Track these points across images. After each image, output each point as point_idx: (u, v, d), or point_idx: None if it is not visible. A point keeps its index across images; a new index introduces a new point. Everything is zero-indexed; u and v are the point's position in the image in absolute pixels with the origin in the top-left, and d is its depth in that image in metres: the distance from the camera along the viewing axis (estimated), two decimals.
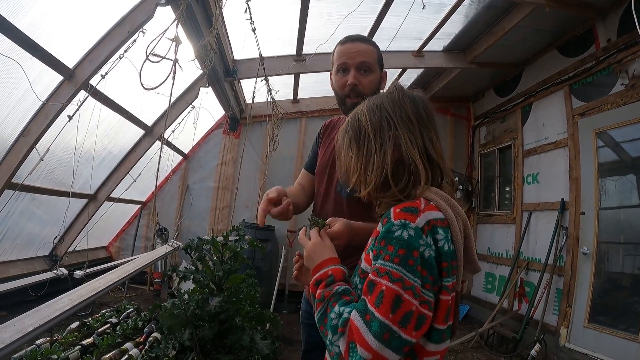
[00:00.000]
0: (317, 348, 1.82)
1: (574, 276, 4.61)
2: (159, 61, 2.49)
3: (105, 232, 6.63)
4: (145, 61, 2.40)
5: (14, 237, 4.38)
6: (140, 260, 3.80)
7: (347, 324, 1.01)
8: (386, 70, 1.88)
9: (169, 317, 2.38)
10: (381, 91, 1.82)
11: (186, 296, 2.56)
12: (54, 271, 3.89)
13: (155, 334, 3.93)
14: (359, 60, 1.76)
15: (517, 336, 4.83)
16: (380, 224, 1.11)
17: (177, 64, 2.50)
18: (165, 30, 3.01)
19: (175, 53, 2.53)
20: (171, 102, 5.44)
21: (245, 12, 3.88)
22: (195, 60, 3.58)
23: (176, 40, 2.51)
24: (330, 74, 1.91)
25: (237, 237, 3.01)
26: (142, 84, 2.68)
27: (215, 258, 2.75)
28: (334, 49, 1.87)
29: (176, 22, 2.60)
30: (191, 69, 5.08)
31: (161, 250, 4.30)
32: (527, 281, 5.44)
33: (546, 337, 4.62)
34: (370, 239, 1.18)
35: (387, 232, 1.04)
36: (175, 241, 4.42)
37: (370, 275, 1.02)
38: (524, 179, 5.78)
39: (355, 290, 1.15)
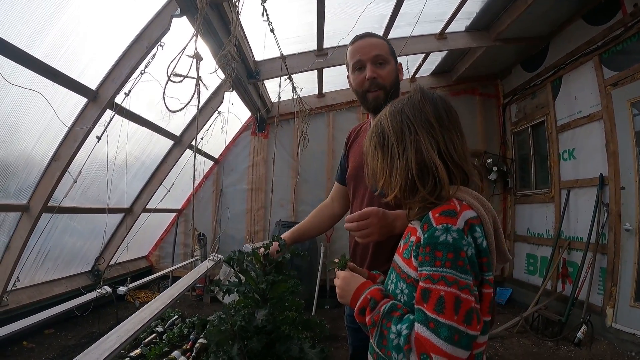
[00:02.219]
0: (364, 351, 1.83)
1: (617, 254, 4.45)
2: (180, 81, 2.44)
3: (145, 242, 6.75)
4: (167, 82, 2.36)
5: (55, 257, 4.50)
6: (183, 282, 3.85)
7: (410, 339, 1.02)
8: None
9: (216, 333, 2.36)
10: (400, 82, 1.89)
11: (232, 310, 2.55)
12: (98, 290, 3.95)
13: (201, 340, 3.97)
14: (373, 54, 1.79)
15: (562, 319, 4.70)
16: (420, 229, 1.13)
17: (200, 81, 2.44)
18: (185, 48, 2.98)
19: (198, 70, 2.47)
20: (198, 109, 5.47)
21: (263, 14, 3.81)
22: (218, 70, 3.53)
23: (197, 57, 2.45)
24: (348, 77, 1.95)
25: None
26: (166, 107, 2.64)
27: (258, 269, 2.73)
28: (346, 51, 1.91)
29: (195, 37, 2.54)
30: (215, 76, 5.07)
31: (203, 267, 4.34)
32: (569, 261, 5.26)
33: (592, 318, 4.49)
34: (405, 239, 1.25)
35: (431, 238, 1.06)
36: (215, 254, 4.44)
37: (421, 283, 1.05)
38: (560, 156, 5.55)
39: (401, 296, 1.18)
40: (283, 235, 2.37)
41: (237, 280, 2.78)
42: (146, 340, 4.15)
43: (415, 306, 1.04)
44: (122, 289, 4.32)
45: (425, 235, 1.08)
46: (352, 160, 2.03)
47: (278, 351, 2.41)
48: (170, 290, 3.56)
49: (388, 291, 1.25)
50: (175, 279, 5.21)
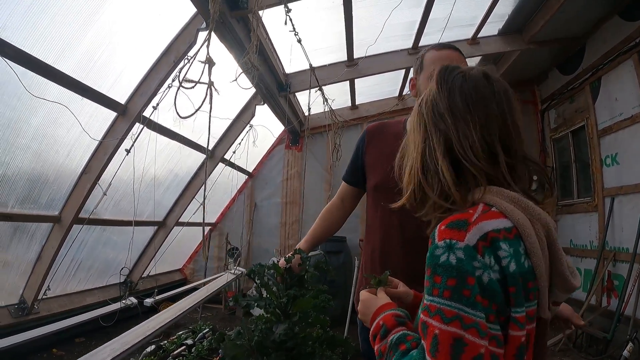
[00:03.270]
0: None
1: None
2: (192, 87, 2.45)
3: (179, 255, 6.84)
4: (178, 89, 2.37)
5: (88, 268, 4.60)
6: (197, 295, 3.80)
7: None
8: None
9: (232, 347, 2.26)
10: None
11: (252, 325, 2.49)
12: (123, 301, 3.99)
13: None
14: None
15: (607, 336, 4.37)
16: None
17: (212, 87, 2.43)
18: (196, 54, 3.00)
19: (209, 75, 2.47)
20: (229, 124, 5.52)
21: (286, 23, 3.80)
22: (238, 80, 3.54)
23: (209, 61, 2.45)
24: (415, 78, 1.83)
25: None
26: (177, 113, 2.65)
27: (280, 284, 2.67)
28: (425, 53, 1.80)
29: (207, 42, 2.54)
30: (246, 90, 5.11)
31: (221, 281, 4.30)
32: (615, 274, 4.92)
33: (639, 335, 4.12)
34: None
35: (432, 257, 0.86)
36: (238, 267, 4.42)
37: (421, 314, 0.86)
38: (602, 162, 5.23)
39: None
40: (298, 245, 2.28)
41: (257, 295, 2.72)
42: (174, 352, 4.14)
43: (421, 342, 0.86)
44: (148, 301, 4.35)
45: (428, 254, 0.88)
46: (379, 166, 1.85)
47: None
48: (182, 303, 3.53)
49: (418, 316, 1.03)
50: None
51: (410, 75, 1.85)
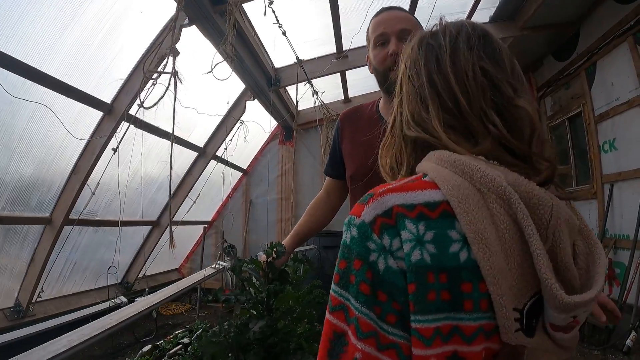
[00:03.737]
0: None
1: None
2: (157, 77, 2.44)
3: (176, 254, 6.82)
4: (143, 79, 2.36)
5: (83, 269, 4.60)
6: (170, 290, 3.76)
7: None
8: None
9: (208, 345, 2.23)
10: None
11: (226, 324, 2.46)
12: (112, 300, 3.99)
13: None
14: (399, 28, 1.54)
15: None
16: None
17: (176, 77, 2.42)
18: (160, 44, 3.00)
19: (173, 65, 2.45)
20: (220, 120, 5.50)
21: (265, 14, 3.77)
22: (218, 71, 3.53)
23: (173, 52, 2.43)
24: (367, 57, 1.67)
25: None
26: (141, 103, 2.65)
27: (261, 279, 2.64)
28: (369, 25, 1.66)
29: (172, 30, 2.54)
30: (235, 85, 5.10)
31: (198, 275, 4.25)
32: (616, 261, 4.84)
33: None
34: None
35: None
36: (219, 262, 4.36)
37: None
38: (600, 148, 5.16)
39: None
40: (284, 242, 2.24)
41: (239, 291, 2.69)
42: (171, 352, 4.13)
43: None
44: (138, 300, 4.34)
45: None
46: (354, 155, 1.72)
47: None
48: (151, 297, 3.50)
49: None
50: (208, 290, 5.22)
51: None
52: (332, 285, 0.66)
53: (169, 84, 2.48)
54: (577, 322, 0.64)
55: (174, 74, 2.43)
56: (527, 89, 0.76)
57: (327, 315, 0.66)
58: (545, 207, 0.63)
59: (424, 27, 1.57)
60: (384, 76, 1.58)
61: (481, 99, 0.71)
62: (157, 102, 2.55)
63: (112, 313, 2.73)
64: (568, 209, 0.67)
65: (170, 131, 4.66)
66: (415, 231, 0.61)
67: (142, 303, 3.04)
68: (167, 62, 2.48)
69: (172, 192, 5.55)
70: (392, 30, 1.54)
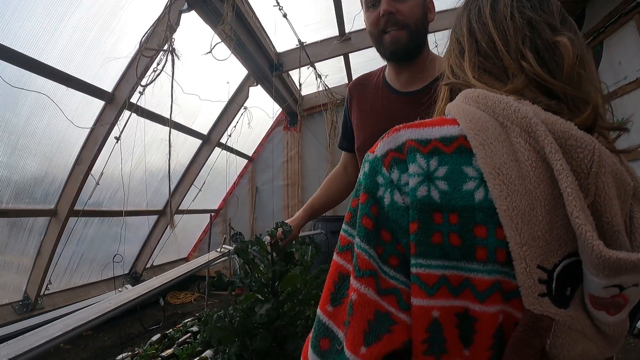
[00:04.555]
0: None
1: None
2: (153, 55, 2.40)
3: (184, 243, 6.82)
4: (139, 56, 2.32)
5: (90, 260, 4.58)
6: (172, 273, 3.71)
7: None
8: (436, 33, 1.52)
9: (215, 330, 2.19)
10: (429, 23, 1.51)
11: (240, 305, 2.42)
12: (119, 290, 3.97)
13: None
14: None
15: None
16: None
17: (174, 54, 2.37)
18: (158, 21, 2.94)
19: (171, 43, 2.40)
20: (223, 107, 5.43)
21: None
22: (218, 52, 3.48)
23: (170, 29, 2.38)
24: (365, 20, 1.56)
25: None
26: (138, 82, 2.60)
27: (266, 260, 2.60)
28: None
29: (169, 7, 2.48)
30: (237, 71, 5.03)
31: (202, 259, 4.19)
32: None
33: None
34: None
35: None
36: (224, 246, 4.31)
37: None
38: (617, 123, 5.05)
39: None
40: (296, 214, 2.18)
41: (242, 273, 2.64)
42: (180, 340, 4.12)
43: None
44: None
45: None
46: (362, 125, 1.66)
47: (289, 349, 2.23)
48: (151, 282, 3.45)
49: None
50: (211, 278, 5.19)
51: None
52: (343, 225, 0.64)
53: (166, 60, 2.42)
54: (625, 298, 0.53)
55: (171, 50, 2.36)
56: (574, 29, 0.70)
57: (335, 256, 0.62)
58: (586, 149, 0.53)
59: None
60: (378, 40, 1.48)
61: (519, 39, 0.65)
62: (154, 79, 2.53)
63: (110, 295, 2.69)
64: (617, 162, 0.56)
65: (173, 119, 4.64)
66: (425, 166, 0.56)
67: (143, 287, 2.99)
68: (164, 39, 2.43)
69: (178, 181, 5.54)
70: None
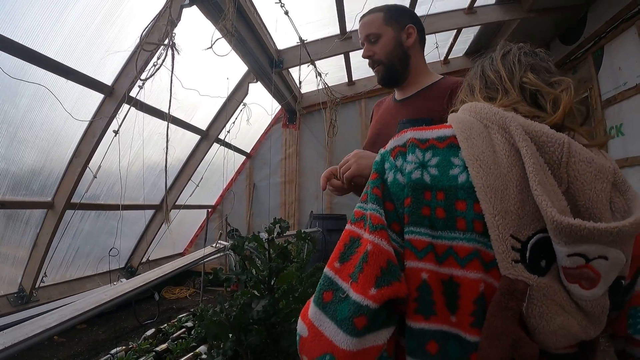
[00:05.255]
0: None
1: None
2: (153, 49, 2.40)
3: (181, 239, 6.81)
4: (140, 50, 2.32)
5: (86, 254, 4.57)
6: (167, 267, 3.66)
7: None
8: (437, 33, 1.81)
9: (211, 324, 2.19)
10: (410, 45, 1.77)
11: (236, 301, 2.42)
12: (115, 284, 3.96)
13: None
14: (364, 35, 1.78)
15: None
16: None
17: (174, 48, 2.37)
18: (159, 15, 2.93)
19: (171, 37, 2.40)
20: (222, 103, 5.42)
21: None
22: (222, 49, 3.46)
23: (171, 23, 2.38)
24: None
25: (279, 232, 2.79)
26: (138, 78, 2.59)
27: (262, 257, 2.59)
28: None
29: (169, 5, 2.47)
30: (237, 67, 5.03)
31: (196, 254, 4.17)
32: None
33: None
34: None
35: None
36: (220, 241, 4.29)
37: None
38: (607, 133, 5.06)
39: None
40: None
41: (239, 270, 2.63)
42: (174, 335, 4.12)
43: None
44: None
45: None
46: (371, 129, 1.93)
47: (283, 346, 2.24)
48: (147, 275, 3.42)
49: None
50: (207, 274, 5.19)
51: None
52: (358, 203, 0.74)
53: (166, 54, 2.42)
54: (594, 271, 0.58)
55: (172, 45, 2.36)
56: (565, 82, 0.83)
57: (347, 226, 0.72)
58: (556, 144, 0.63)
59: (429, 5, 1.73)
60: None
61: (522, 72, 0.79)
62: (154, 73, 2.51)
63: (106, 287, 2.66)
64: (592, 153, 0.65)
65: (172, 114, 4.63)
66: (420, 157, 0.70)
67: (139, 279, 2.96)
68: (164, 34, 2.43)
69: (175, 176, 5.54)
70: (362, 38, 1.79)
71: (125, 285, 2.62)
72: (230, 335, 2.26)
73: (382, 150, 0.77)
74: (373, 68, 1.80)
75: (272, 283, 2.47)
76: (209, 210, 6.78)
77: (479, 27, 5.63)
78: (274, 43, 5.14)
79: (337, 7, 4.55)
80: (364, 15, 1.83)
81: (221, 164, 6.08)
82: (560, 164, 0.62)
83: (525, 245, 0.61)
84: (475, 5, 5.06)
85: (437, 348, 0.63)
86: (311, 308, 0.67)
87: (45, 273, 3.89)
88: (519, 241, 0.60)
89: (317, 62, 5.32)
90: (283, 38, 5.08)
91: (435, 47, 5.53)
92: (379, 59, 1.75)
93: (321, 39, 5.26)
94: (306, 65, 5.23)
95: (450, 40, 5.88)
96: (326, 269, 0.69)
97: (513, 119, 0.66)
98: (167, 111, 3.83)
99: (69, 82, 3.39)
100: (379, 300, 0.60)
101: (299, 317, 0.70)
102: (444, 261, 0.63)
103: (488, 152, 0.65)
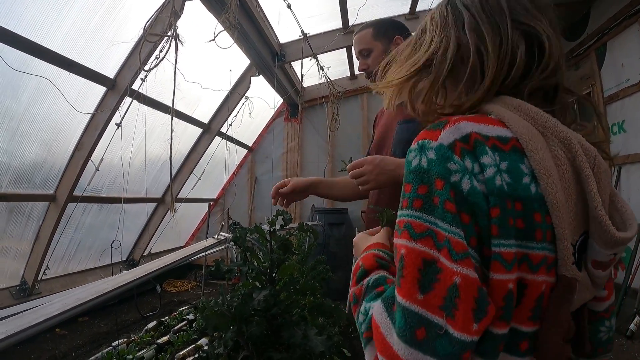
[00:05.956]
0: None
1: None
2: (156, 41, 2.41)
3: (182, 232, 6.83)
4: (143, 42, 2.33)
5: (88, 247, 4.59)
6: (169, 258, 3.66)
7: (371, 323, 0.67)
8: (400, 37, 1.89)
9: (213, 315, 2.20)
10: None
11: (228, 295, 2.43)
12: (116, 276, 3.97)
13: None
14: (357, 50, 1.94)
15: None
16: None
17: (177, 39, 2.37)
18: (163, 6, 2.92)
19: (174, 29, 2.40)
20: (225, 96, 5.41)
21: None
22: (225, 41, 3.46)
23: (174, 14, 2.38)
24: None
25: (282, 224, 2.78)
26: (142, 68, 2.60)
27: (264, 248, 2.60)
28: None
29: None
30: (240, 61, 5.01)
31: (197, 245, 4.15)
32: None
33: None
34: None
35: (405, 164, 0.70)
36: (222, 233, 4.28)
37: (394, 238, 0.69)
38: (609, 130, 5.05)
39: None
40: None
41: (241, 261, 2.63)
42: (176, 327, 4.14)
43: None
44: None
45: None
46: (377, 132, 2.00)
47: (284, 337, 2.24)
48: (148, 265, 3.43)
49: None
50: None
51: None
52: (411, 212, 0.65)
53: (169, 46, 2.42)
54: (614, 259, 0.73)
55: (175, 36, 2.36)
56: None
57: (410, 243, 0.62)
58: (591, 155, 0.71)
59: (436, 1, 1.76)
60: None
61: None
62: (157, 64, 2.51)
63: (108, 278, 2.67)
64: (604, 161, 0.74)
65: (174, 107, 4.62)
66: (494, 158, 0.65)
67: (141, 270, 2.97)
68: (167, 25, 2.43)
69: (177, 169, 5.54)
70: (356, 53, 1.95)
71: (127, 276, 2.63)
72: (232, 326, 2.27)
73: (431, 144, 0.66)
74: (369, 79, 1.94)
75: (273, 275, 2.47)
76: (211, 203, 6.80)
77: None
78: (276, 36, 5.13)
79: (339, 1, 4.53)
80: (356, 32, 1.95)
81: (223, 158, 6.07)
82: (593, 172, 0.70)
83: (574, 248, 0.70)
84: None
85: (504, 345, 0.66)
86: (402, 348, 0.59)
87: (47, 266, 3.90)
88: (573, 246, 0.69)
89: (319, 56, 5.31)
90: (285, 32, 5.07)
91: None
92: (372, 71, 1.87)
93: (323, 33, 5.25)
94: (308, 59, 5.22)
95: None
96: (407, 303, 0.60)
97: (573, 136, 0.70)
98: (169, 104, 3.84)
99: (72, 75, 3.38)
100: (481, 332, 0.60)
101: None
102: (519, 267, 0.65)
103: (554, 167, 0.67)
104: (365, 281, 0.78)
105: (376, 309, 0.66)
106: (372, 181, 1.39)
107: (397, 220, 0.68)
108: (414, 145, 0.69)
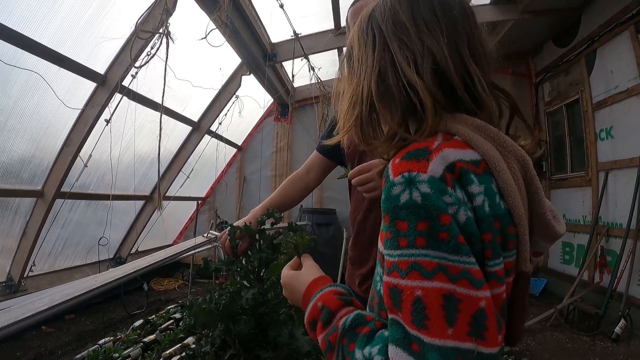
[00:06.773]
0: None
1: None
2: (148, 37, 2.40)
3: (170, 230, 6.80)
4: (135, 38, 2.32)
5: (75, 244, 4.55)
6: (158, 255, 3.66)
7: None
8: None
9: (201, 312, 2.18)
10: None
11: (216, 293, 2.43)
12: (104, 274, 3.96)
13: None
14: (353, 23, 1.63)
15: (599, 312, 4.30)
16: None
17: (168, 37, 2.37)
18: (155, 4, 2.92)
19: (166, 26, 2.40)
20: (215, 95, 5.41)
21: None
22: (217, 40, 3.47)
23: (166, 11, 2.37)
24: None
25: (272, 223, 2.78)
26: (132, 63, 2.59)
27: (253, 247, 2.61)
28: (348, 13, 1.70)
29: None
30: (231, 59, 5.01)
31: (187, 243, 4.15)
32: (608, 249, 4.84)
33: (632, 312, 4.09)
34: None
35: (388, 200, 0.65)
36: (211, 231, 4.28)
37: (386, 278, 0.65)
38: (597, 135, 5.12)
39: (381, 288, 0.71)
40: (253, 211, 2.13)
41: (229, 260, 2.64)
42: (162, 326, 4.12)
43: (389, 315, 0.65)
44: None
45: (383, 196, 0.68)
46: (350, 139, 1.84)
47: (270, 336, 2.25)
48: (137, 262, 3.43)
49: (375, 284, 0.79)
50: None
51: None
52: (416, 251, 0.61)
53: (160, 43, 2.42)
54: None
55: (167, 34, 2.36)
56: None
57: (426, 284, 0.60)
58: (530, 163, 0.77)
59: None
60: None
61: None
62: (148, 61, 2.50)
63: (96, 275, 2.66)
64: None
65: (164, 104, 4.61)
66: (479, 184, 0.68)
67: (129, 267, 2.97)
68: (159, 22, 2.43)
69: (166, 167, 5.51)
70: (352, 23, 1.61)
71: (115, 272, 2.62)
72: (219, 325, 2.27)
73: (422, 177, 0.64)
74: None
75: (261, 274, 2.48)
76: (199, 202, 6.78)
77: None
78: (268, 36, 5.13)
79: (332, 1, 4.56)
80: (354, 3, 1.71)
81: (212, 156, 6.07)
82: (531, 180, 0.77)
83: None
84: (470, 4, 5.07)
85: None
86: None
87: (34, 262, 3.86)
88: None
89: (310, 57, 5.32)
90: (277, 31, 5.07)
91: None
92: None
93: (315, 34, 5.26)
94: (299, 59, 5.23)
95: None
96: (440, 341, 0.58)
97: (527, 156, 0.76)
98: (159, 101, 3.84)
99: (62, 70, 3.36)
100: (502, 340, 0.68)
101: None
102: (501, 281, 0.69)
103: (514, 185, 0.72)
104: (340, 324, 0.73)
105: (393, 353, 0.60)
106: (379, 187, 1.23)
107: (393, 259, 0.64)
108: (397, 178, 0.65)
